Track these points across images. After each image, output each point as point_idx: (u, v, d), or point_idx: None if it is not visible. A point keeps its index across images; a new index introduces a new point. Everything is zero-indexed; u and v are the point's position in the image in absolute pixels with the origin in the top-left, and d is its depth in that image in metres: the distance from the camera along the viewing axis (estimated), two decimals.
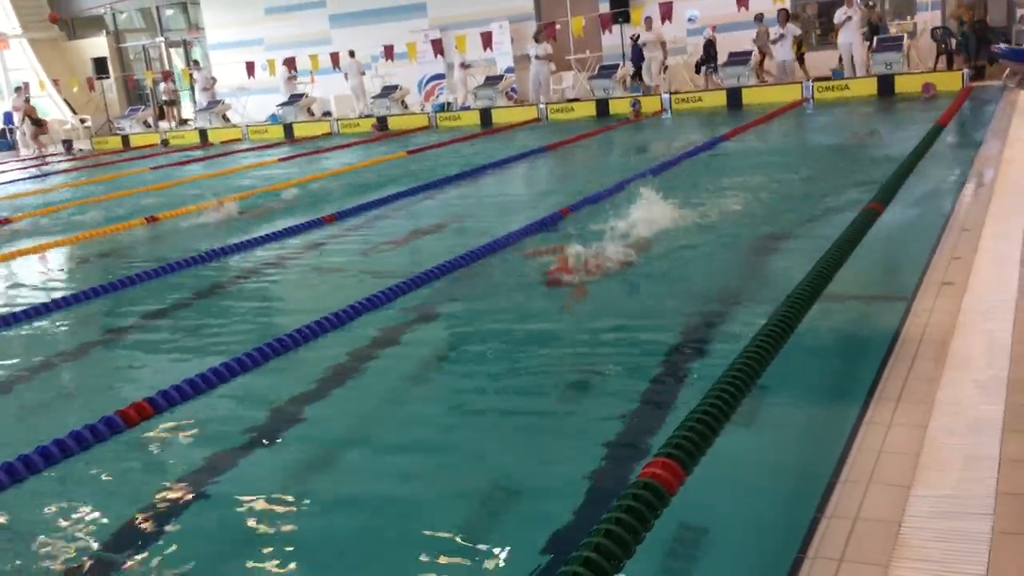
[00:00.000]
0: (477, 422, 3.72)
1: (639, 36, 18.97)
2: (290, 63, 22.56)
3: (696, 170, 9.85)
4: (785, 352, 3.61)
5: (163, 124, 24.62)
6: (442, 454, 3.45)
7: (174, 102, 24.83)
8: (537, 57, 19.47)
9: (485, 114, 19.45)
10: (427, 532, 2.82)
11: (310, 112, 22.47)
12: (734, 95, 17.42)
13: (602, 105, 18.43)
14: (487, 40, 20.63)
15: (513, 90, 20.94)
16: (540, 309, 5.12)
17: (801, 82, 17.17)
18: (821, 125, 14.26)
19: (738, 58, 18.15)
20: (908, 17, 18.68)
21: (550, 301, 5.19)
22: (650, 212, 6.55)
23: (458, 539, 2.77)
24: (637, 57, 19.22)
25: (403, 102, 21.47)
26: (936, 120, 10.91)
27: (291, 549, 2.85)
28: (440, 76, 22.58)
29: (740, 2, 17.94)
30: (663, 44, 19.00)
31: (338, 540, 2.91)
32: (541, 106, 19.09)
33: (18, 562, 2.94)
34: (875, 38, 17.28)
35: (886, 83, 16.32)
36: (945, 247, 5.06)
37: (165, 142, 22.70)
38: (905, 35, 17.40)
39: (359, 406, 4.06)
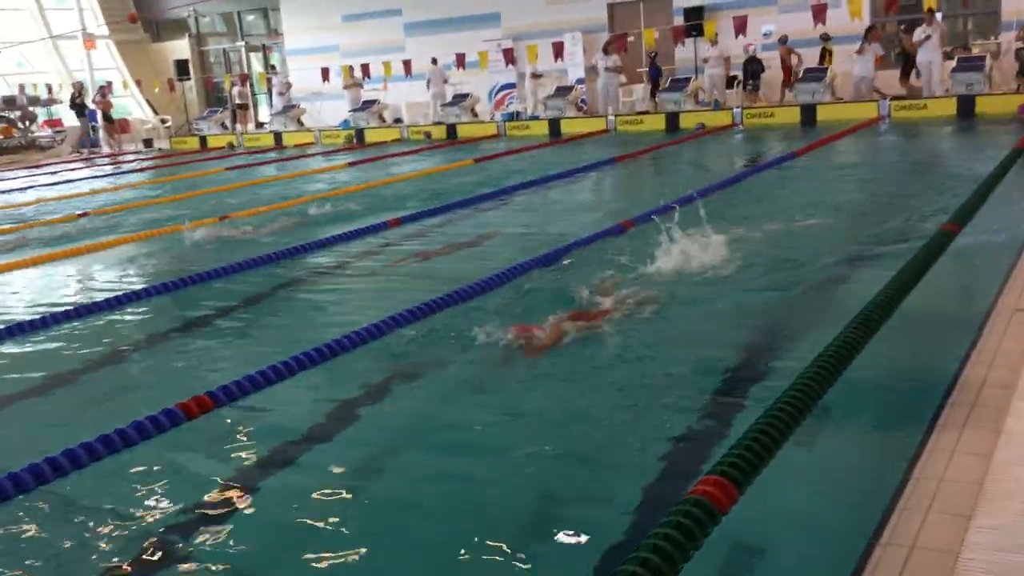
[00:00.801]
0: (531, 431, 3.71)
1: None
2: (348, 70, 22.95)
3: (763, 187, 9.72)
4: (848, 374, 3.53)
5: (239, 126, 25.18)
6: (494, 461, 3.45)
7: (245, 105, 25.36)
8: (606, 69, 19.45)
9: (554, 124, 19.48)
10: (474, 539, 2.82)
11: (381, 118, 22.77)
12: (808, 111, 17.15)
13: (672, 119, 18.30)
14: (559, 50, 20.66)
15: (583, 101, 20.94)
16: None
17: (877, 100, 16.84)
18: (896, 144, 13.95)
19: (813, 74, 17.88)
20: (992, 37, 18.20)
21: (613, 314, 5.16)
22: (713, 228, 6.47)
23: (505, 548, 2.77)
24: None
25: (473, 110, 21.63)
26: (1015, 144, 10.60)
27: (344, 546, 2.88)
28: (511, 85, 22.69)
29: (816, 17, 17.69)
30: (727, 60, 18.91)
31: (391, 538, 2.93)
32: (610, 118, 19.05)
33: (77, 546, 3.03)
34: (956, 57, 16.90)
35: (966, 104, 15.90)
36: (1020, 273, 4.91)
37: (231, 144, 23.18)
38: (988, 55, 16.95)
39: (413, 408, 4.09)
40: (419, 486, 3.30)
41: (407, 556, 2.85)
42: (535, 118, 20.43)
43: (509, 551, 2.75)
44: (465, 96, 21.67)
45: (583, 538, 2.80)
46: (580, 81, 21.22)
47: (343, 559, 2.82)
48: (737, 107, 18.10)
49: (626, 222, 7.61)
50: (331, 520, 3.05)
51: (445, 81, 22.13)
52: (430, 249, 7.54)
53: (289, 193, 12.55)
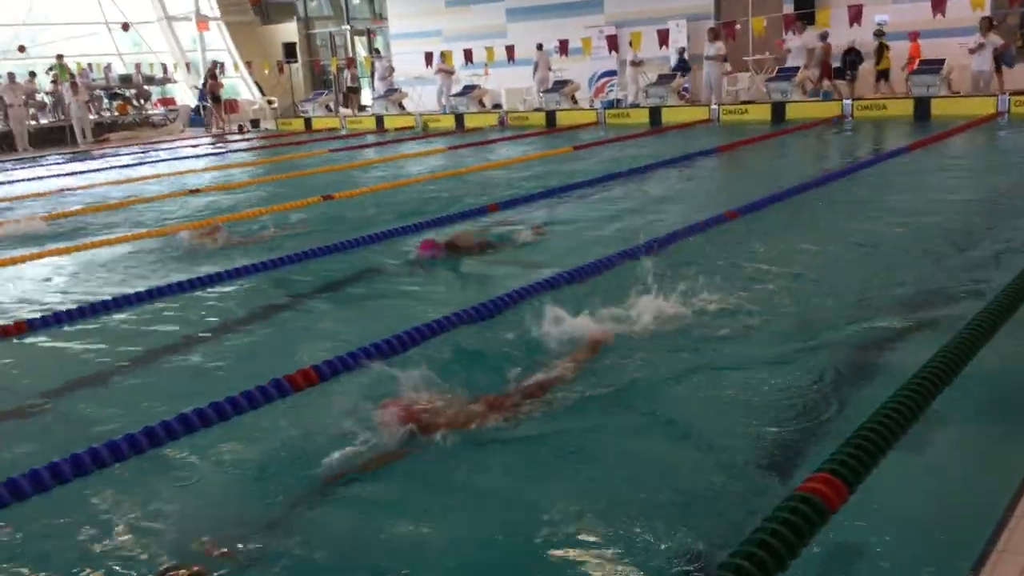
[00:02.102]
0: (628, 423, 3.66)
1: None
2: (449, 56, 23.13)
3: (872, 181, 9.40)
4: (965, 376, 3.40)
5: (343, 110, 25.64)
6: (592, 453, 3.42)
7: (356, 88, 25.81)
8: (709, 57, 19.09)
9: (655, 113, 19.23)
10: (579, 536, 2.80)
11: (481, 103, 22.87)
12: (922, 105, 16.50)
13: (778, 109, 17.86)
14: (663, 38, 20.38)
15: (685, 89, 20.61)
16: (700, 310, 5.01)
17: (996, 95, 16.09)
18: (1015, 143, 13.30)
19: (929, 66, 17.19)
20: None
21: (717, 305, 5.07)
22: (819, 221, 6.30)
23: (606, 540, 2.74)
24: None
25: (573, 97, 21.54)
26: None
27: (424, 525, 2.91)
28: (612, 73, 22.49)
29: (936, 7, 16.99)
30: (811, 51, 18.43)
31: (475, 520, 2.94)
32: (713, 107, 18.71)
33: (180, 507, 3.14)
34: None
35: None
36: None
37: (306, 126, 23.62)
38: None
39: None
40: (511, 473, 3.30)
41: (490, 546, 2.86)
42: (636, 106, 20.21)
43: (607, 544, 2.73)
44: (565, 83, 21.58)
45: (684, 535, 2.75)
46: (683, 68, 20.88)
47: (424, 540, 2.85)
48: (847, 99, 17.55)
49: (730, 212, 7.47)
50: (417, 499, 3.09)
51: (550, 69, 22.11)
52: (525, 235, 7.53)
53: (390, 176, 12.74)
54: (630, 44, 20.91)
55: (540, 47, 21.84)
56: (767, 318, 4.81)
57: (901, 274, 5.57)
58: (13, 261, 7.69)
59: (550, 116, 20.54)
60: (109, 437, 3.53)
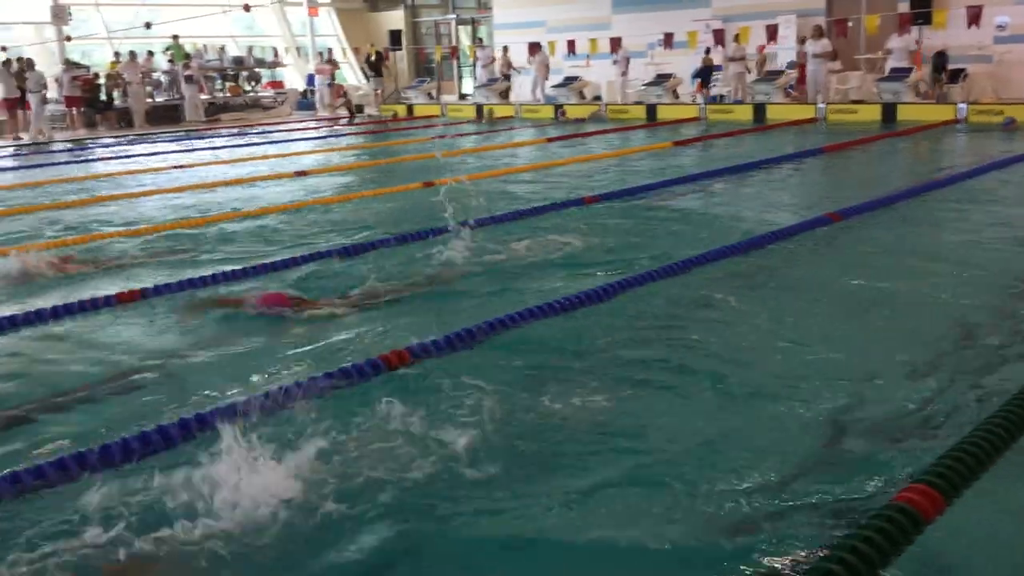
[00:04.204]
0: (727, 427, 3.64)
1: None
2: (535, 48, 23.18)
3: (991, 190, 9.07)
4: None
5: (445, 97, 25.92)
6: (688, 451, 3.42)
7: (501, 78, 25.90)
8: (814, 55, 18.62)
9: (759, 109, 18.88)
10: (673, 537, 2.80)
11: (581, 95, 22.82)
12: None
13: (888, 110, 17.33)
14: (772, 33, 19.96)
15: (791, 87, 20.16)
16: (803, 310, 4.94)
17: None
18: None
19: None
20: None
21: (809, 317, 4.99)
22: (919, 225, 6.14)
23: (693, 544, 2.75)
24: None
25: (675, 92, 21.30)
26: None
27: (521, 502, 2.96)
28: (717, 67, 22.14)
29: None
30: (912, 53, 17.86)
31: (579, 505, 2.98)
32: (820, 106, 18.26)
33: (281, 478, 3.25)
34: None
35: None
36: None
37: (392, 115, 23.86)
38: None
39: (576, 382, 4.12)
40: (607, 459, 3.33)
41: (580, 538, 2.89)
42: (739, 102, 19.88)
43: (693, 548, 2.74)
44: (668, 76, 21.36)
45: (771, 540, 2.73)
46: (791, 66, 20.43)
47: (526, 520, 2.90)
48: (962, 102, 16.91)
49: (833, 214, 7.32)
50: (509, 475, 3.14)
51: (548, 68, 22.22)
52: (618, 228, 7.53)
53: (488, 164, 12.86)
54: (736, 39, 20.56)
55: (538, 47, 22.03)
56: (860, 324, 4.72)
57: (1004, 288, 5.38)
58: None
59: (650, 110, 20.38)
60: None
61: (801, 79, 19.28)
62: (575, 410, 3.72)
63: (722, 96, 20.99)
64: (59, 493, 3.13)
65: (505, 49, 24.61)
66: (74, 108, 21.98)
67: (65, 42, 23.27)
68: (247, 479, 3.01)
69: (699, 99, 20.78)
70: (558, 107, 21.73)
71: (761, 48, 20.60)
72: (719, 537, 2.71)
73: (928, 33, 18.34)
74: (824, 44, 18.53)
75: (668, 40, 21.48)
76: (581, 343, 4.57)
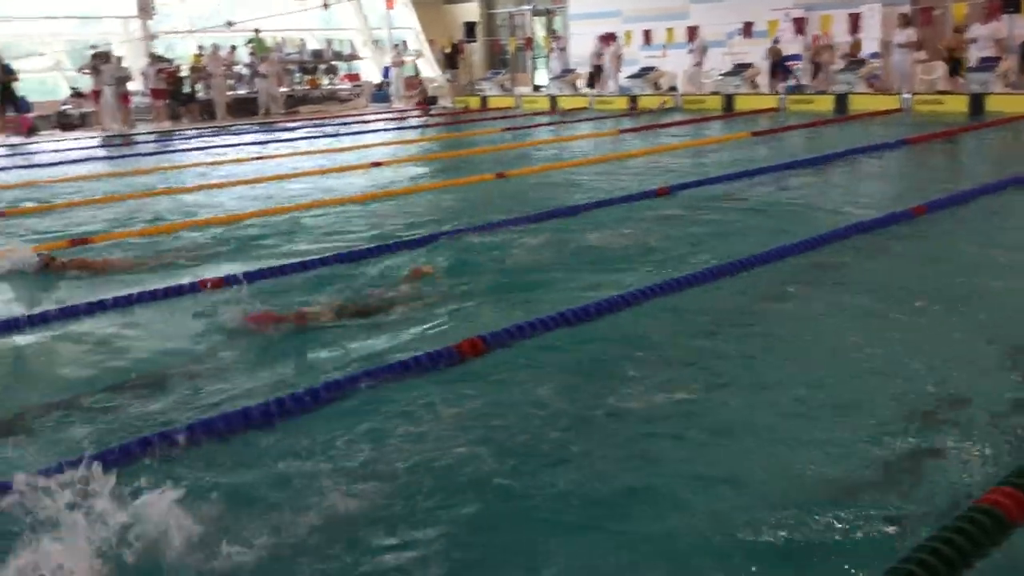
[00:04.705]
0: (801, 425, 3.56)
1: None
2: (609, 39, 22.96)
3: None
4: None
5: (520, 88, 25.92)
6: (761, 449, 3.36)
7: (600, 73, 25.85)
8: (900, 45, 18.08)
9: (840, 100, 18.43)
10: (743, 535, 2.75)
11: (655, 86, 22.58)
12: None
13: (976, 101, 16.74)
14: (854, 22, 19.46)
15: (875, 77, 19.63)
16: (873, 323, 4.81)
17: None
18: None
19: None
20: None
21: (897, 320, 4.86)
22: (1008, 219, 5.92)
23: (778, 541, 2.71)
24: None
25: (753, 82, 20.94)
26: None
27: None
28: (795, 57, 21.67)
29: None
30: (999, 42, 17.17)
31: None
32: (904, 96, 17.74)
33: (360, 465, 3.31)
34: None
35: None
36: None
37: (482, 104, 23.85)
38: None
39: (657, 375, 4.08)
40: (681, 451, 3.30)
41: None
42: (821, 92, 19.43)
43: (779, 545, 2.70)
44: (746, 66, 20.99)
45: (855, 538, 2.67)
46: (874, 55, 19.90)
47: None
48: None
49: (917, 208, 7.11)
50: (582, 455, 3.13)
51: (698, 64, 21.81)
52: (692, 221, 7.44)
53: (562, 156, 12.83)
54: (819, 29, 20.10)
55: (612, 37, 22.28)
56: (944, 321, 4.58)
57: None
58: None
59: (727, 101, 20.06)
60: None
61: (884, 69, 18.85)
62: (643, 405, 3.69)
63: (802, 86, 20.55)
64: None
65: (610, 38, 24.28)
66: (159, 100, 22.60)
67: (150, 37, 23.96)
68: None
69: (779, 89, 20.38)
70: (632, 99, 21.56)
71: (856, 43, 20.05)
72: (794, 535, 2.66)
73: (1020, 21, 17.63)
74: (909, 33, 18.00)
75: (747, 29, 21.10)
76: (651, 337, 4.54)
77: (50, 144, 18.54)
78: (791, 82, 20.68)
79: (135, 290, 5.67)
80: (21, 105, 20.85)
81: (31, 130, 20.60)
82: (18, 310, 5.53)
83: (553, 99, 23.44)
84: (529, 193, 9.29)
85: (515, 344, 4.39)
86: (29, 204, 10.07)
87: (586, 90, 23.97)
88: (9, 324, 5.17)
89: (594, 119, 19.19)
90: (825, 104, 18.48)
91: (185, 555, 2.63)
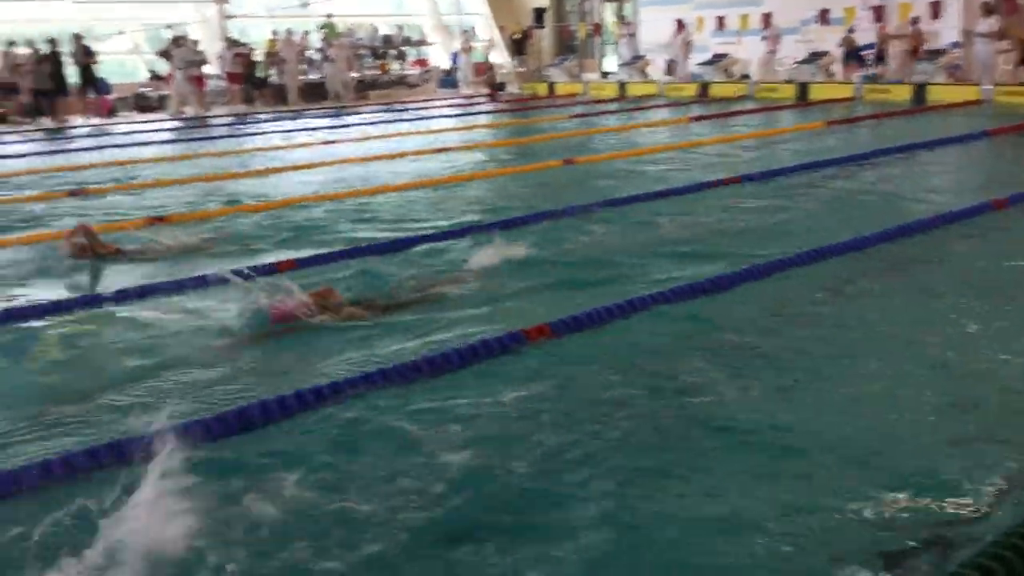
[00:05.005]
0: (878, 422, 3.48)
1: None
2: (681, 25, 22.62)
3: None
4: None
5: (587, 75, 25.78)
6: (832, 447, 3.31)
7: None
8: (980, 34, 17.51)
9: (918, 90, 17.94)
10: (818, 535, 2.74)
11: (727, 73, 22.26)
12: None
13: None
14: (935, 10, 18.90)
15: (955, 67, 19.05)
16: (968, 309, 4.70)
17: None
18: None
19: None
20: None
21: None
22: None
23: (838, 544, 2.68)
24: None
25: (828, 70, 20.50)
26: None
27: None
28: (871, 46, 21.14)
29: None
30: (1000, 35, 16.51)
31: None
32: (986, 87, 17.19)
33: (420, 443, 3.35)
34: None
35: None
36: None
37: (550, 91, 23.72)
38: None
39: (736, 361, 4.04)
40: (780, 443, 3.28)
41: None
42: (898, 82, 18.94)
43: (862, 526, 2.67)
44: (822, 54, 20.55)
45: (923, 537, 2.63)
46: (955, 45, 19.31)
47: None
48: None
49: (997, 201, 6.91)
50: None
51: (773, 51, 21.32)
52: (763, 210, 7.33)
53: (630, 143, 12.75)
54: (898, 18, 19.58)
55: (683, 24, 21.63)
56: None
57: None
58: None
59: (802, 89, 19.68)
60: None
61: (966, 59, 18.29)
62: (711, 397, 3.65)
63: (878, 75, 20.05)
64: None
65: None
66: (235, 84, 23.01)
67: (226, 20, 24.40)
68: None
69: (855, 78, 19.92)
70: (703, 86, 21.29)
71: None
72: (869, 535, 2.62)
73: None
74: (992, 23, 17.41)
75: (823, 16, 20.65)
76: (722, 328, 4.50)
77: (129, 126, 19.04)
78: (867, 71, 20.19)
79: (193, 273, 5.75)
80: (101, 87, 21.42)
81: (111, 111, 21.19)
82: (75, 292, 5.70)
83: (622, 86, 23.26)
84: (597, 180, 9.26)
85: (582, 331, 4.39)
86: (109, 184, 10.37)
87: (656, 77, 23.74)
88: (62, 306, 5.29)
89: (664, 106, 19.02)
90: (903, 94, 18.01)
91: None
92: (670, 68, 23.60)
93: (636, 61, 24.25)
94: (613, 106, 19.54)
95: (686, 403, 3.60)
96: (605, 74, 26.72)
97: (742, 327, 4.48)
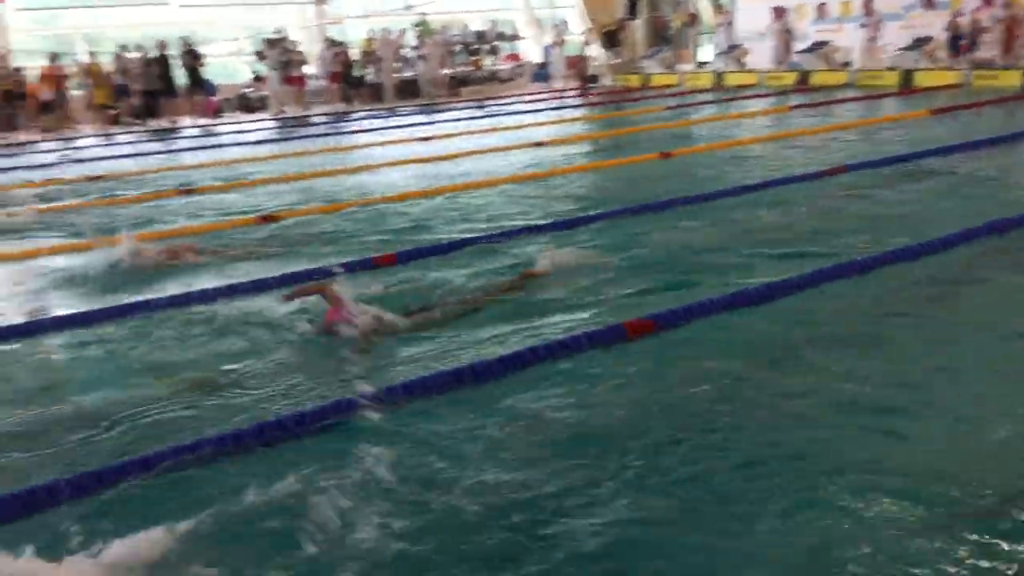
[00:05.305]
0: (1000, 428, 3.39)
1: None
2: (780, 12, 22.02)
3: None
4: None
5: (681, 66, 25.45)
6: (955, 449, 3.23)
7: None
8: None
9: None
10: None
11: (828, 61, 21.66)
12: None
13: None
14: None
15: None
16: None
17: None
18: None
19: None
20: None
21: None
22: None
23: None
24: None
25: (933, 56, 19.75)
26: None
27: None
28: (980, 30, 20.27)
29: None
30: None
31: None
32: None
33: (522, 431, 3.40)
34: None
35: None
36: None
37: (644, 82, 23.42)
38: None
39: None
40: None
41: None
42: (1009, 67, 18.12)
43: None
44: (926, 40, 19.81)
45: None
46: None
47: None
48: None
49: None
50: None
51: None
52: (868, 200, 7.13)
53: (728, 134, 12.55)
54: None
55: (783, 11, 20.48)
56: None
57: None
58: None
59: (905, 76, 19.03)
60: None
61: None
62: (814, 390, 3.60)
63: (989, 60, 19.23)
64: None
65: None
66: (335, 83, 23.52)
67: (325, 22, 24.97)
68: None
69: (961, 64, 19.16)
70: (803, 74, 20.79)
71: None
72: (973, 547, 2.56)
73: None
74: None
75: (928, 0, 19.89)
76: (826, 321, 4.42)
77: (233, 126, 19.68)
78: (973, 56, 19.38)
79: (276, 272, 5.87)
80: (208, 88, 22.19)
81: (217, 112, 21.93)
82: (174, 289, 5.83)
83: (718, 75, 22.88)
84: (695, 172, 9.16)
85: (684, 325, 4.37)
86: (217, 183, 10.75)
87: (754, 66, 23.27)
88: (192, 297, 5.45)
89: (762, 96, 18.65)
90: (1012, 80, 17.23)
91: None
92: (768, 57, 23.10)
93: (733, 50, 23.81)
94: (710, 96, 19.26)
95: (787, 392, 3.56)
96: (701, 64, 26.32)
97: (848, 320, 4.39)
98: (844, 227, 6.31)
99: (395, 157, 12.03)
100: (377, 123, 18.17)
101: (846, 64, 21.53)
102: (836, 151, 10.08)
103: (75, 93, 21.12)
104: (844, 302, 4.67)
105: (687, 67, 25.55)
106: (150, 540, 2.65)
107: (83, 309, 5.38)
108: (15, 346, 4.87)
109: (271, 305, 4.99)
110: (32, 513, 2.96)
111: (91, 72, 20.93)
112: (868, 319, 4.43)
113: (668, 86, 23.39)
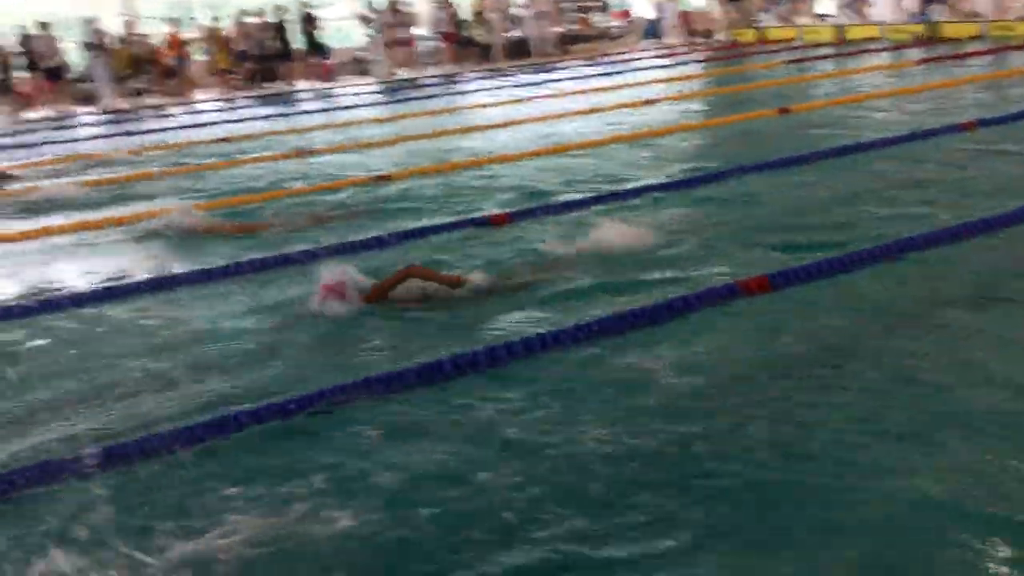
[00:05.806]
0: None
1: None
2: None
3: None
4: None
5: (800, 19, 24.55)
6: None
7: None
8: None
9: None
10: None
11: (957, 12, 20.51)
12: None
13: None
14: None
15: None
16: None
17: None
18: None
19: None
20: None
21: None
22: None
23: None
24: None
25: None
26: None
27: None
28: None
29: None
30: None
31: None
32: None
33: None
34: None
35: None
36: None
37: (760, 37, 22.62)
38: None
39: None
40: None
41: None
42: None
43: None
44: None
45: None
46: None
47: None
48: None
49: None
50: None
51: None
52: (1002, 158, 6.77)
53: (849, 89, 12.09)
54: None
55: None
56: None
57: None
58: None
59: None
60: None
61: None
62: (932, 349, 3.49)
63: None
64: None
65: None
66: (449, 44, 23.61)
67: None
68: None
69: None
70: (931, 26, 19.77)
71: None
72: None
73: None
74: None
75: None
76: (961, 280, 4.25)
77: (347, 88, 20.02)
78: None
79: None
80: (323, 52, 22.62)
81: (331, 75, 22.35)
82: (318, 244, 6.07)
83: (839, 28, 21.99)
84: (814, 129, 8.87)
85: (801, 284, 4.27)
86: (332, 144, 10.99)
87: (876, 18, 22.27)
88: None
89: (886, 49, 17.85)
90: None
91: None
92: (891, 8, 22.06)
93: (855, 2, 22.81)
94: (830, 50, 18.54)
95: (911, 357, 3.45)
96: (821, 16, 25.32)
97: (976, 284, 4.21)
98: (971, 185, 6.03)
99: (508, 117, 11.98)
100: (487, 84, 18.16)
101: (976, 15, 20.38)
102: (965, 106, 9.60)
103: (197, 58, 21.87)
104: (973, 263, 4.47)
105: (805, 20, 24.63)
106: None
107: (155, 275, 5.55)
108: None
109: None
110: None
111: (213, 37, 21.62)
112: (999, 280, 4.23)
113: (787, 40, 22.61)
